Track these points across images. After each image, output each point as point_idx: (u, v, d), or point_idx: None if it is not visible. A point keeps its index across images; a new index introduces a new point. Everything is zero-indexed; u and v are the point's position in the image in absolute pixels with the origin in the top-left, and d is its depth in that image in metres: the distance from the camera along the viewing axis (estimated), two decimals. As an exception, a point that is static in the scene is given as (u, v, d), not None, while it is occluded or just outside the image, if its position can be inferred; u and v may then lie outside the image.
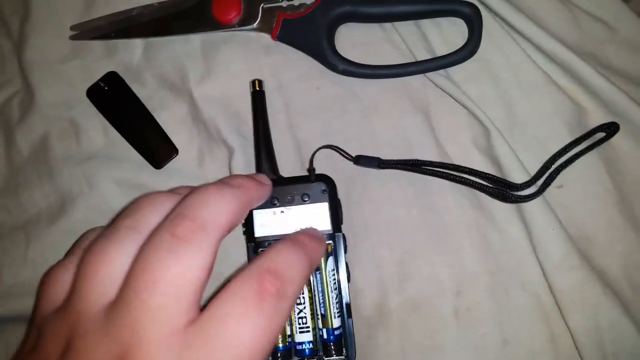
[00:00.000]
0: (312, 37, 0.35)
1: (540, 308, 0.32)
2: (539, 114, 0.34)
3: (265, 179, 0.28)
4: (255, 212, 0.31)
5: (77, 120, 0.37)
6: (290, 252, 0.24)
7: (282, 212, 0.31)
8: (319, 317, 0.30)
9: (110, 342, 0.20)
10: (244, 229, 0.31)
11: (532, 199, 0.32)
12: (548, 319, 0.32)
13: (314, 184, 0.31)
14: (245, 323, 0.20)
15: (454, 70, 0.35)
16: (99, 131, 0.37)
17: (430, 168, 0.33)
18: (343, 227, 0.32)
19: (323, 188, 0.31)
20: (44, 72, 0.38)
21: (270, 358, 0.29)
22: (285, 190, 0.31)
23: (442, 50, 0.35)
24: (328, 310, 0.30)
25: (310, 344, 0.30)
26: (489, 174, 0.32)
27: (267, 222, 0.30)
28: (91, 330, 0.21)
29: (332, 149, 0.34)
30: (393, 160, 0.33)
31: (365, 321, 0.33)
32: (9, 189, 0.36)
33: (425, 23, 0.35)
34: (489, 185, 0.32)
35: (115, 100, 0.36)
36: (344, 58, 0.34)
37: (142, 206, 0.25)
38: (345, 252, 0.31)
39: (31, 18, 0.38)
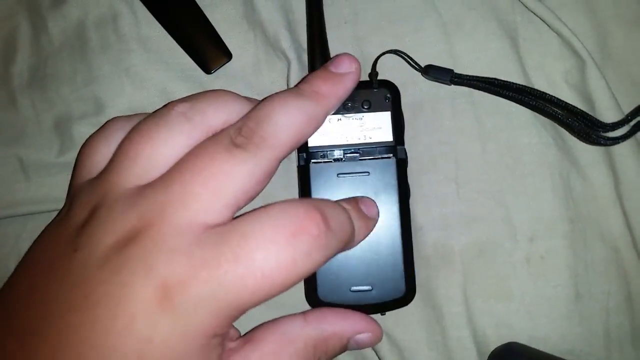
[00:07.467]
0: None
1: (619, 263, 0.29)
2: (636, 52, 0.30)
3: (348, 67, 0.25)
4: None
5: (118, 9, 0.32)
6: (345, 211, 0.23)
7: (339, 119, 0.28)
8: None
9: (133, 216, 0.20)
10: None
11: (620, 142, 0.28)
12: (626, 276, 0.29)
13: (375, 90, 0.28)
14: (269, 250, 0.19)
15: (548, -6, 0.31)
16: (142, 25, 0.32)
17: (510, 92, 0.29)
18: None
19: (386, 95, 0.28)
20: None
21: None
22: None
23: (537, -32, 0.31)
24: None
25: None
26: (576, 108, 0.29)
27: (322, 130, 0.27)
28: (119, 202, 0.20)
29: (398, 55, 0.30)
30: (469, 76, 0.29)
31: (424, 261, 0.29)
32: (35, 80, 0.32)
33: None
34: (573, 119, 0.29)
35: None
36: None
37: (203, 97, 0.23)
38: (406, 167, 0.28)
39: None
